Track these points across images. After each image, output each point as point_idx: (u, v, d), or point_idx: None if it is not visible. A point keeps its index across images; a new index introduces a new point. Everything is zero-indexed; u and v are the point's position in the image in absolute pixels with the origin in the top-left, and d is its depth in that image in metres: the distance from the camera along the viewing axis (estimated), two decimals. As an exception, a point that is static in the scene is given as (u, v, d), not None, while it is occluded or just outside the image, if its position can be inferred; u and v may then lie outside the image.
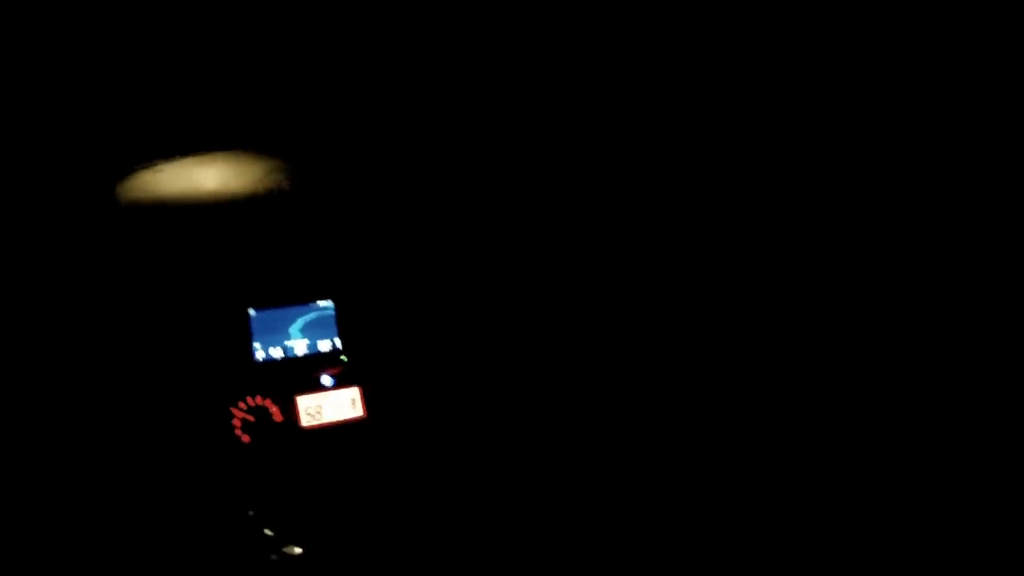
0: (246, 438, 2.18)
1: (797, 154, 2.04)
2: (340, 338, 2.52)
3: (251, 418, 2.22)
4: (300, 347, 2.44)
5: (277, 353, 2.39)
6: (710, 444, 2.20)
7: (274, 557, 1.98)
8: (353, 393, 2.45)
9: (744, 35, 1.81)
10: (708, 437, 2.21)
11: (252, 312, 2.38)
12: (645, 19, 1.71)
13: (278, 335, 2.42)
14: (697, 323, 2.28)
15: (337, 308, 2.53)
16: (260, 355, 2.36)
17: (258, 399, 2.26)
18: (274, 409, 2.28)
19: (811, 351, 2.04)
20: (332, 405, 2.40)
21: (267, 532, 2.02)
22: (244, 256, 2.43)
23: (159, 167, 1.83)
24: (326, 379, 2.42)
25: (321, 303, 2.52)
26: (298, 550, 2.01)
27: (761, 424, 2.10)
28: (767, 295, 2.13)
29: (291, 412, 2.32)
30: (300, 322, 2.47)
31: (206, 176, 1.94)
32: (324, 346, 2.49)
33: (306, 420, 2.33)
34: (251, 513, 2.04)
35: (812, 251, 2.04)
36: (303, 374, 2.40)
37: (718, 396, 2.21)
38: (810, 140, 2.01)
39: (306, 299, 2.50)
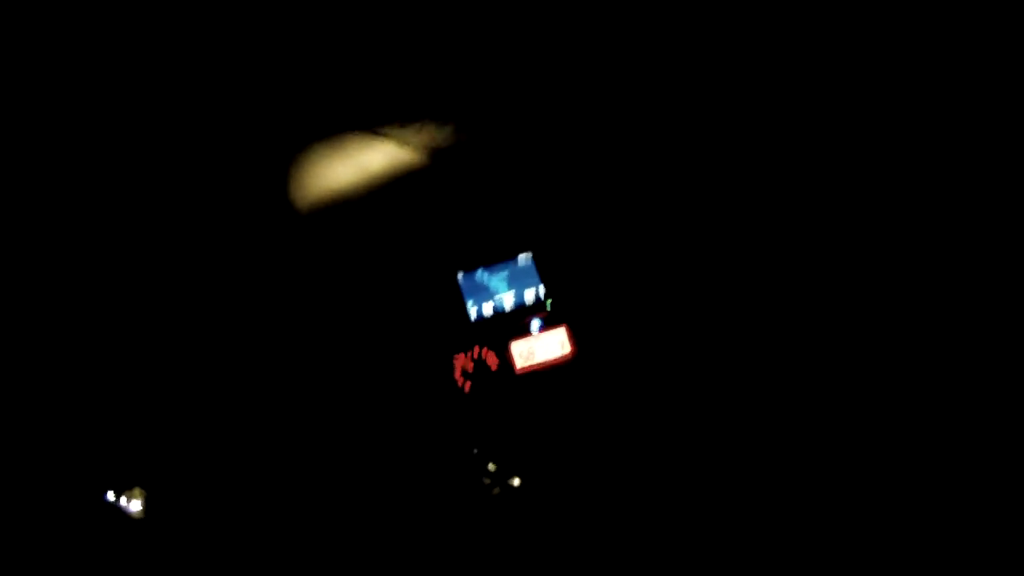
0: (467, 387, 2.46)
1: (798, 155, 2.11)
2: (544, 285, 2.69)
3: (470, 367, 2.50)
4: (508, 300, 2.66)
5: (488, 310, 2.64)
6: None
7: (497, 489, 2.23)
8: (560, 333, 2.61)
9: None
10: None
11: (460, 275, 2.65)
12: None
13: (487, 292, 2.66)
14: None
15: (536, 258, 2.71)
16: (473, 313, 2.62)
17: (475, 350, 2.53)
18: (490, 357, 2.53)
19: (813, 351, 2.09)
20: (543, 346, 2.59)
21: (490, 467, 2.28)
22: (443, 225, 2.72)
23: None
24: (535, 323, 2.62)
25: (521, 257, 2.72)
26: (517, 481, 2.23)
27: (762, 424, 2.15)
28: (768, 295, 2.19)
29: (507, 358, 2.55)
30: (505, 277, 2.69)
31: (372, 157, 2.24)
32: (529, 296, 2.68)
33: (520, 363, 2.54)
34: (475, 451, 2.31)
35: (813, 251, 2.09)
36: (514, 323, 2.62)
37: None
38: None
39: (507, 255, 2.72)
